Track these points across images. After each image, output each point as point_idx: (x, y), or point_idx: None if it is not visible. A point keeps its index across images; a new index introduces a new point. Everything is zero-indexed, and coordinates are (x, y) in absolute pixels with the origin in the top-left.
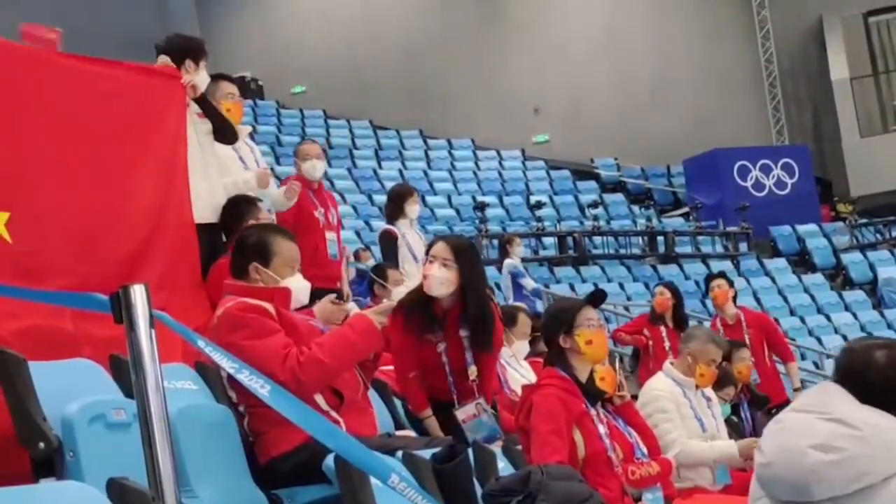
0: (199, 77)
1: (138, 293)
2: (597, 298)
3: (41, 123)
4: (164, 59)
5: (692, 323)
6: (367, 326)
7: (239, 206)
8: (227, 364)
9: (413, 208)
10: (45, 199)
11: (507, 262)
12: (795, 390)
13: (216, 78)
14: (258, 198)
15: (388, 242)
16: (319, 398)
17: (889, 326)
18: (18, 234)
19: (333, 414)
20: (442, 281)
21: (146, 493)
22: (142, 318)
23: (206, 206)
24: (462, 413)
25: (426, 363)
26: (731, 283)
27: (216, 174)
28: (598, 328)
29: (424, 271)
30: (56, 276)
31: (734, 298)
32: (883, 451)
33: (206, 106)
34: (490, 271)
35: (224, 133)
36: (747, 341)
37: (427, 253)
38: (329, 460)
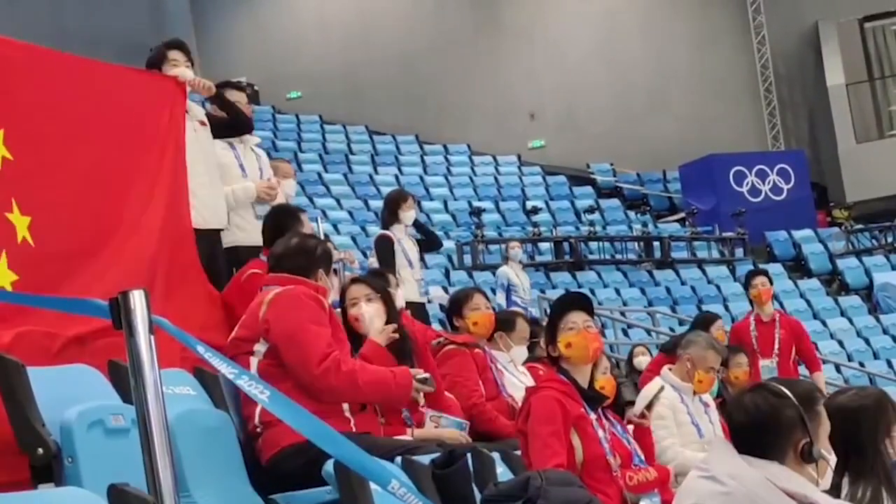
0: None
1: (137, 299)
2: (571, 301)
3: (54, 125)
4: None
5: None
6: (407, 384)
7: (281, 218)
8: (226, 369)
9: (408, 214)
10: (61, 204)
11: (499, 270)
12: None
13: (221, 86)
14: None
15: (385, 246)
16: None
17: (885, 332)
18: (40, 239)
19: (347, 415)
20: (375, 314)
21: (147, 498)
22: (141, 324)
23: (210, 213)
24: (422, 433)
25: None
26: (771, 281)
27: (218, 181)
28: (579, 331)
29: (351, 315)
30: (71, 282)
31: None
32: (745, 502)
33: (221, 100)
34: (486, 276)
35: (239, 126)
36: (777, 342)
37: (342, 301)
38: (329, 466)
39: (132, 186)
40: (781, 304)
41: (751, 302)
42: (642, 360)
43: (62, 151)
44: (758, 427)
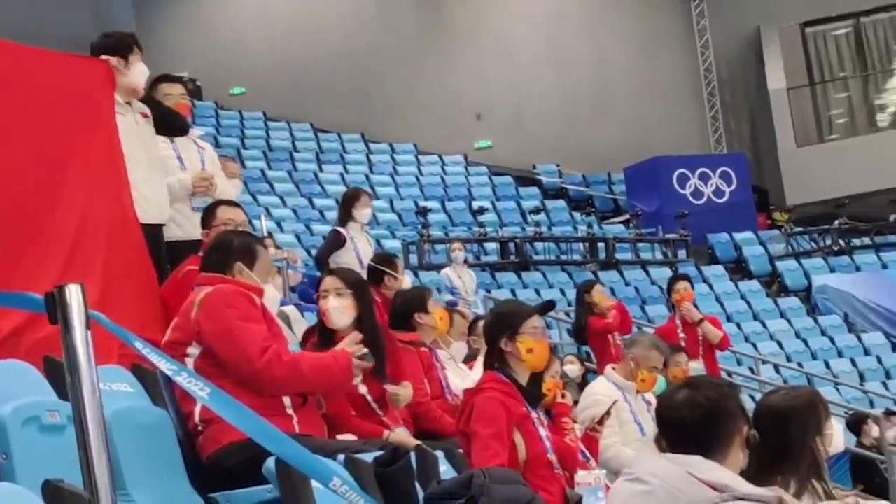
0: (132, 70)
1: (74, 293)
2: (547, 309)
3: None
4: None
5: (633, 329)
6: (348, 364)
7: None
8: (164, 366)
9: (363, 212)
10: None
11: (442, 272)
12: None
13: (156, 81)
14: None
15: (332, 242)
16: (286, 398)
17: (823, 333)
18: None
19: (290, 411)
20: (341, 310)
21: (83, 495)
22: (77, 319)
23: (152, 207)
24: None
25: (353, 404)
26: (692, 286)
27: (160, 175)
28: (542, 337)
29: (321, 307)
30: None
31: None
32: (667, 498)
33: (150, 102)
34: (433, 276)
35: (173, 126)
36: (701, 342)
37: (317, 290)
38: (269, 463)
39: (64, 174)
40: (722, 306)
41: (671, 307)
42: (572, 369)
43: None
44: (711, 419)
